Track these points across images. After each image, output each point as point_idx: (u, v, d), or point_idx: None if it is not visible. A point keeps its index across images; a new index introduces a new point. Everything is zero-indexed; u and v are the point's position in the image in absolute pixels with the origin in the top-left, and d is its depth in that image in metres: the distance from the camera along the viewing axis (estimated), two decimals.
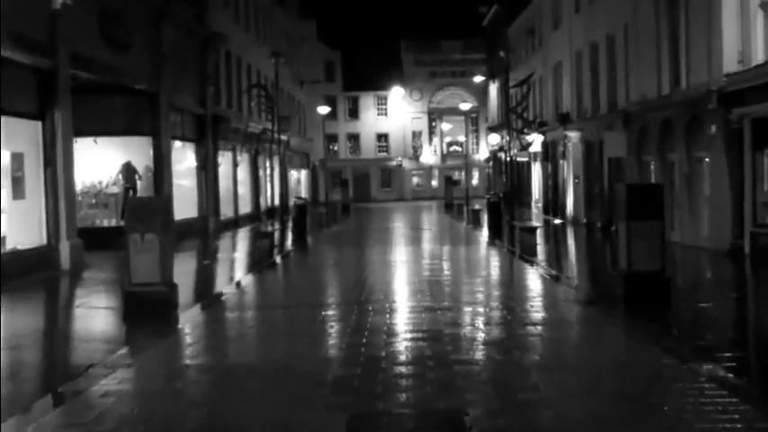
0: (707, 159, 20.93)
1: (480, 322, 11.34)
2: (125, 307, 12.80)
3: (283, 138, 46.01)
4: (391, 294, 14.18)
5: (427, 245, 25.58)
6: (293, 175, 54.96)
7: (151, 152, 25.20)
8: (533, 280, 16.31)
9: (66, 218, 18.05)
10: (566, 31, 35.32)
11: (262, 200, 40.39)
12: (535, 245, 22.90)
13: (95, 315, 12.99)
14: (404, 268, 18.52)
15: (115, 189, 24.59)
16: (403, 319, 11.45)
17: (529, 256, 20.57)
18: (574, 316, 11.88)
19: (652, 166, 24.95)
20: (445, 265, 18.88)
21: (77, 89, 20.62)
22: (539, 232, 24.49)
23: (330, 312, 12.36)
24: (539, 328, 10.70)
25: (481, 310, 12.34)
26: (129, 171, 24.72)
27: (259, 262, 20.38)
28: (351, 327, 10.84)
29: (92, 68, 20.71)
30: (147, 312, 12.28)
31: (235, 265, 20.82)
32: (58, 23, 17.79)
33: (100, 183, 24.69)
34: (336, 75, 75.49)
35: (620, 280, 12.79)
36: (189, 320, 11.97)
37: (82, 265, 18.21)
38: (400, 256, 21.60)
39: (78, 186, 24.29)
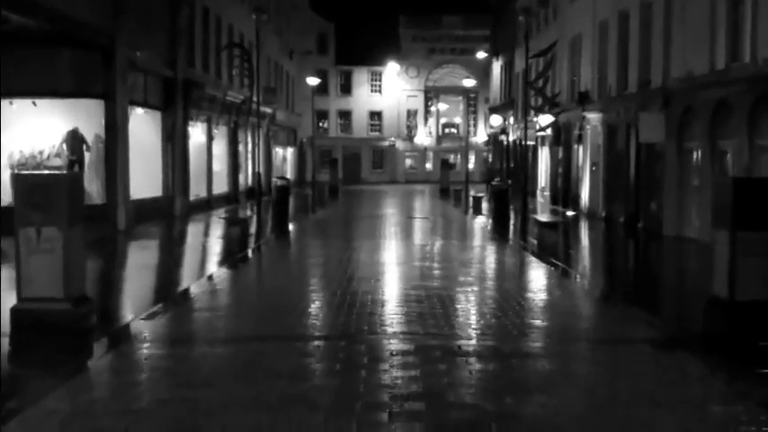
0: None
1: (518, 386, 7.45)
2: (11, 332, 9.07)
3: (268, 110, 42.01)
4: (390, 319, 10.27)
5: (427, 239, 21.63)
6: (278, 152, 50.92)
7: (103, 119, 21.17)
8: (570, 297, 12.45)
9: None
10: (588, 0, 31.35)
11: (241, 178, 36.39)
12: (557, 244, 19.14)
13: None
14: (402, 275, 14.58)
15: (58, 161, 20.60)
16: (412, 376, 7.55)
17: (551, 257, 16.76)
18: (662, 373, 7.99)
19: (696, 155, 21.13)
20: (454, 271, 14.93)
21: (9, 37, 16.73)
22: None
23: (306, 354, 8.45)
24: (623, 408, 6.84)
25: (515, 362, 8.42)
26: (74, 140, 20.74)
27: (226, 258, 16.51)
28: (337, 392, 6.98)
29: (26, 10, 16.73)
30: (42, 341, 8.61)
31: (192, 262, 16.87)
32: None
33: (40, 153, 20.70)
34: (329, 47, 71.19)
35: (717, 311, 9.05)
36: (105, 355, 8.12)
37: None
38: (396, 255, 17.65)
39: (15, 157, 20.45)
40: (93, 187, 21.35)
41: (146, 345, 8.73)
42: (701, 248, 19.29)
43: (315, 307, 11.26)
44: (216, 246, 19.28)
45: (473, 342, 8.94)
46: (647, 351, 8.71)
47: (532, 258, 17.01)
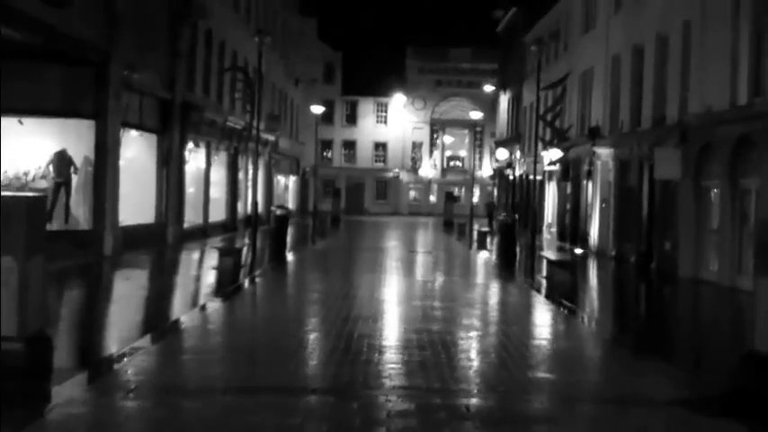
0: None
1: None
2: None
3: (270, 138, 41.11)
4: (389, 369, 9.15)
5: (430, 276, 20.52)
6: (280, 180, 49.94)
7: (93, 140, 20.18)
8: (586, 346, 11.33)
9: None
10: (600, 33, 30.49)
11: (240, 206, 35.33)
12: (568, 284, 17.97)
13: None
14: (403, 316, 13.45)
15: (44, 183, 19.61)
16: None
17: (562, 300, 15.66)
18: None
19: (715, 193, 20.09)
20: (458, 313, 13.81)
21: None
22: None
23: (290, 413, 7.32)
24: None
25: (537, 429, 7.29)
26: (62, 162, 19.77)
27: (213, 292, 15.42)
28: None
29: (14, 22, 15.80)
30: None
31: (174, 296, 15.74)
32: None
33: (25, 175, 19.68)
34: (336, 77, 70.56)
35: (758, 367, 7.98)
36: (65, 402, 7.05)
37: None
38: (397, 292, 16.53)
39: None
40: (80, 212, 20.35)
41: (107, 394, 7.63)
42: (720, 293, 18.22)
43: (305, 352, 10.13)
44: (204, 277, 18.18)
45: (481, 401, 7.82)
46: (681, 416, 7.59)
47: (542, 300, 15.91)
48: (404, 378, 8.56)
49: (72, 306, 13.95)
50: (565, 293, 16.87)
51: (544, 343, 11.35)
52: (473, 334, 11.56)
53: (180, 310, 13.40)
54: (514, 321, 13.36)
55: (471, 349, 10.53)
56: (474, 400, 7.81)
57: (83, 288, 16.23)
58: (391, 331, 11.45)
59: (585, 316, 13.92)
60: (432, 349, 10.12)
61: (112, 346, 10.03)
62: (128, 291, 15.62)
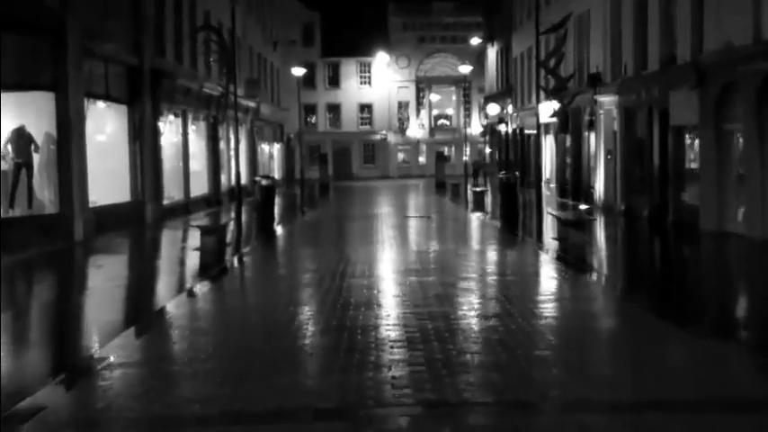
0: None
1: None
2: None
3: (251, 104, 39.21)
4: (403, 378, 7.47)
5: (432, 245, 18.75)
6: (264, 149, 47.96)
7: (54, 114, 18.27)
8: (639, 332, 9.66)
9: None
10: None
11: (223, 178, 33.49)
12: (586, 247, 16.35)
13: None
14: (413, 298, 11.67)
15: (2, 165, 17.71)
16: None
17: (588, 268, 14.06)
18: None
19: (739, 138, 18.40)
20: (477, 293, 12.15)
21: None
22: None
23: None
24: None
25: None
26: (21, 140, 17.84)
27: (198, 275, 13.72)
28: None
29: None
30: None
31: (148, 284, 13.94)
32: None
33: None
34: (315, 38, 68.16)
35: None
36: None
37: None
38: (400, 267, 14.74)
39: None
40: (45, 194, 18.51)
41: (41, 426, 5.93)
42: (754, 246, 16.58)
43: (302, 355, 8.40)
44: (186, 260, 16.42)
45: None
46: None
47: (563, 268, 14.17)
48: (426, 387, 6.84)
49: (30, 304, 12.21)
50: (583, 256, 15.28)
51: (588, 333, 9.65)
52: (495, 323, 9.81)
53: (156, 300, 11.69)
54: (543, 299, 11.66)
55: (501, 343, 8.77)
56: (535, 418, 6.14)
57: (45, 281, 14.47)
58: (400, 320, 9.71)
59: (619, 286, 12.27)
60: (453, 342, 8.43)
61: (67, 356, 8.32)
62: (97, 282, 13.85)
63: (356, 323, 9.47)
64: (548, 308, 10.60)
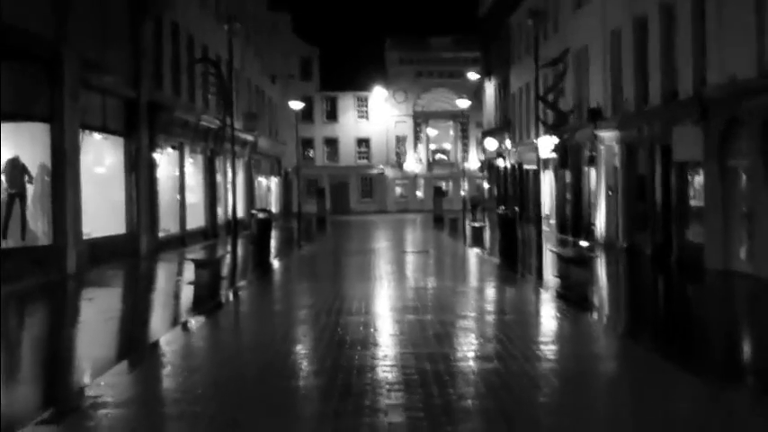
0: None
1: None
2: None
3: (249, 138, 39.01)
4: (410, 424, 7.09)
5: (431, 281, 18.36)
6: (262, 182, 47.72)
7: (49, 145, 18.00)
8: (649, 380, 9.28)
9: None
10: (596, 7, 28.46)
11: (220, 211, 33.13)
12: (589, 286, 16.01)
13: None
14: (412, 337, 11.25)
15: None
16: None
17: (591, 308, 13.70)
18: None
19: (744, 174, 18.13)
20: (474, 330, 11.80)
21: None
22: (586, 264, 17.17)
23: None
24: None
25: None
26: (14, 170, 17.54)
27: (191, 311, 13.34)
28: None
29: None
30: None
31: (137, 320, 13.47)
32: None
33: None
34: (313, 73, 68.28)
35: None
36: None
37: None
38: (397, 304, 14.28)
39: None
40: (38, 225, 18.17)
41: None
42: (761, 285, 16.23)
43: (297, 396, 8.01)
44: (178, 294, 16.05)
45: None
46: None
47: (566, 307, 13.77)
48: None
49: (19, 337, 11.82)
50: (586, 295, 14.92)
51: (599, 379, 9.29)
52: (497, 365, 9.44)
53: (147, 335, 11.30)
54: (546, 340, 11.28)
55: (505, 386, 8.39)
56: None
57: (35, 314, 14.09)
58: (398, 361, 9.32)
59: (623, 326, 11.90)
60: (453, 386, 8.05)
61: (55, 391, 7.93)
62: (87, 315, 13.47)
63: (352, 363, 9.09)
64: (551, 349, 10.23)
